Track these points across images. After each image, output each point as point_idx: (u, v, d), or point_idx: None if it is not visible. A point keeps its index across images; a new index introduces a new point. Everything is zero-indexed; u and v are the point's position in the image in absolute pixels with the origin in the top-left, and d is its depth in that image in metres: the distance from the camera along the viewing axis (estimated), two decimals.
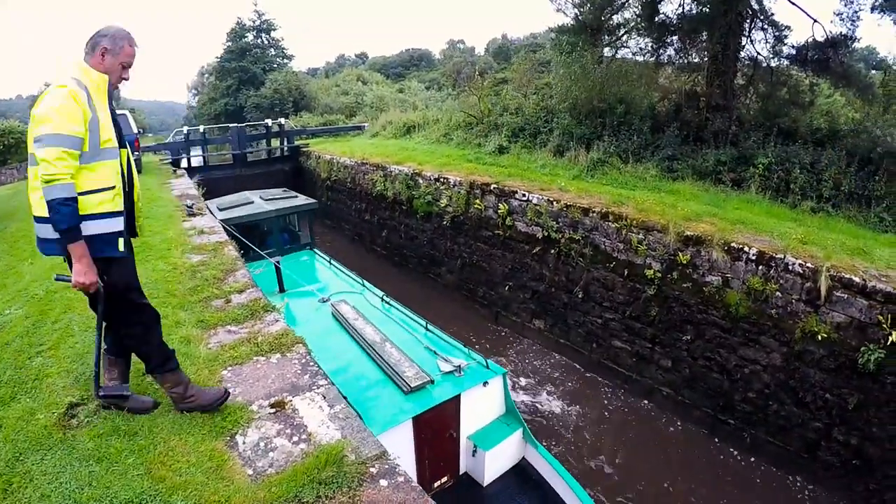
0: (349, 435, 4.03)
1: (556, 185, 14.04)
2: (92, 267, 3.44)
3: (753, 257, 9.50)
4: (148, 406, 4.25)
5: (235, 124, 29.12)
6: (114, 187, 3.58)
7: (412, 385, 6.40)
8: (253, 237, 11.31)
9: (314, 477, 3.52)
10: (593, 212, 12.13)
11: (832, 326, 8.55)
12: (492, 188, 14.83)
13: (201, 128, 29.69)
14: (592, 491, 8.60)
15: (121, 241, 3.66)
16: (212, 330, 5.88)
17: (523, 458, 7.42)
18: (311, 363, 5.20)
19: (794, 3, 14.52)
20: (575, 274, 12.68)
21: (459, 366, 7.01)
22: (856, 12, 13.87)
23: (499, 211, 14.47)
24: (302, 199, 12.81)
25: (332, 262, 11.42)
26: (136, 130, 20.40)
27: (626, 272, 11.56)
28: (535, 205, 13.45)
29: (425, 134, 24.53)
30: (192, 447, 3.85)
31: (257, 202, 12.15)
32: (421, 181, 17.73)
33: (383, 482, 3.53)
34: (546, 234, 13.14)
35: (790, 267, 9.05)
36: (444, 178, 16.72)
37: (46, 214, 3.30)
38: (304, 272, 10.73)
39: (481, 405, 7.24)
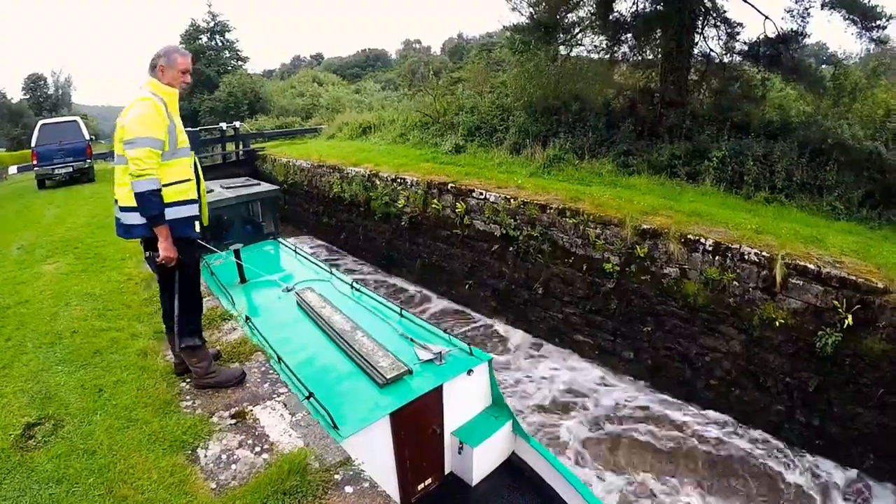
0: (312, 442, 3.98)
1: (513, 183, 13.98)
2: (173, 245, 4.16)
3: (710, 248, 9.55)
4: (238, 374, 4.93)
5: (189, 128, 28.41)
6: (189, 179, 4.38)
7: (388, 377, 5.71)
8: (212, 227, 10.77)
9: (278, 487, 3.46)
10: (550, 208, 12.08)
11: (789, 312, 8.65)
12: (449, 187, 14.69)
13: None
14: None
15: (197, 223, 4.43)
16: None
17: (513, 452, 6.78)
18: (271, 371, 5.05)
19: (746, 1, 14.73)
20: (534, 270, 12.62)
21: (440, 353, 6.33)
22: (806, 9, 14.09)
23: (456, 210, 14.33)
24: (265, 187, 12.16)
25: (297, 250, 10.69)
26: (87, 137, 19.79)
27: (584, 267, 11.52)
28: (493, 203, 13.35)
29: (382, 134, 24.29)
30: (154, 463, 3.77)
31: (217, 191, 11.31)
32: (378, 182, 17.50)
33: (348, 489, 3.50)
34: (504, 231, 13.04)
35: (746, 256, 9.11)
36: (402, 179, 16.52)
37: (134, 204, 4.04)
38: (267, 263, 10.10)
39: (466, 396, 6.56)
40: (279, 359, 5.93)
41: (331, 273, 9.32)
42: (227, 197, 10.91)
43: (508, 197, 13.03)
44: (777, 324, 8.71)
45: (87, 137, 19.74)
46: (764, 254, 8.93)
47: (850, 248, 9.00)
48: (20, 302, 6.91)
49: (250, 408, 4.42)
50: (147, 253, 4.21)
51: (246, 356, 5.28)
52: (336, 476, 3.58)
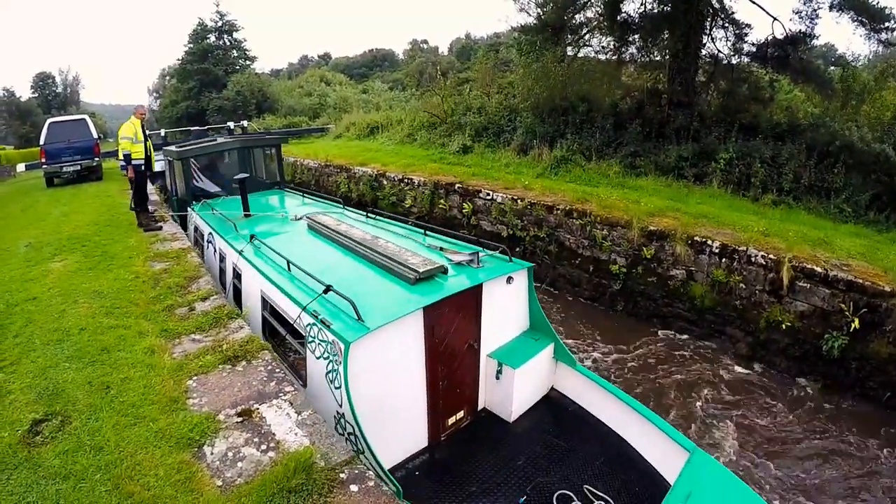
0: (318, 441, 3.94)
1: (520, 184, 13.99)
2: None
3: (717, 250, 9.52)
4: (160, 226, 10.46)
5: (197, 127, 28.53)
6: (140, 152, 9.96)
7: (420, 271, 5.03)
8: (215, 175, 10.62)
9: (284, 485, 3.43)
10: (557, 209, 12.07)
11: (796, 315, 8.62)
12: (456, 188, 14.70)
13: (162, 132, 28.95)
14: None
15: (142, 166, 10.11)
16: (176, 339, 5.65)
17: (552, 388, 6.04)
18: (277, 370, 4.98)
19: (754, 2, 14.71)
20: (541, 271, 12.59)
21: (476, 254, 5.63)
22: (814, 10, 14.06)
23: (463, 210, 14.35)
24: (268, 135, 12.15)
25: (306, 194, 10.40)
26: (95, 136, 19.76)
27: (591, 268, 11.51)
28: (500, 203, 13.35)
29: (389, 135, 24.35)
30: (160, 460, 3.75)
31: (220, 140, 11.37)
32: (385, 182, 17.53)
33: (353, 487, 3.47)
34: (511, 232, 13.04)
35: (753, 259, 9.08)
36: (409, 179, 16.55)
37: (124, 161, 9.85)
38: (273, 206, 9.79)
39: (504, 312, 5.72)
40: (289, 265, 5.54)
41: (343, 207, 8.86)
42: (226, 141, 10.84)
43: (515, 198, 13.03)
44: (783, 326, 8.67)
45: (95, 136, 19.67)
46: (771, 256, 8.90)
47: (857, 251, 8.97)
48: (28, 299, 6.92)
49: (257, 406, 4.39)
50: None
51: (253, 354, 5.24)
52: (341, 475, 3.56)
